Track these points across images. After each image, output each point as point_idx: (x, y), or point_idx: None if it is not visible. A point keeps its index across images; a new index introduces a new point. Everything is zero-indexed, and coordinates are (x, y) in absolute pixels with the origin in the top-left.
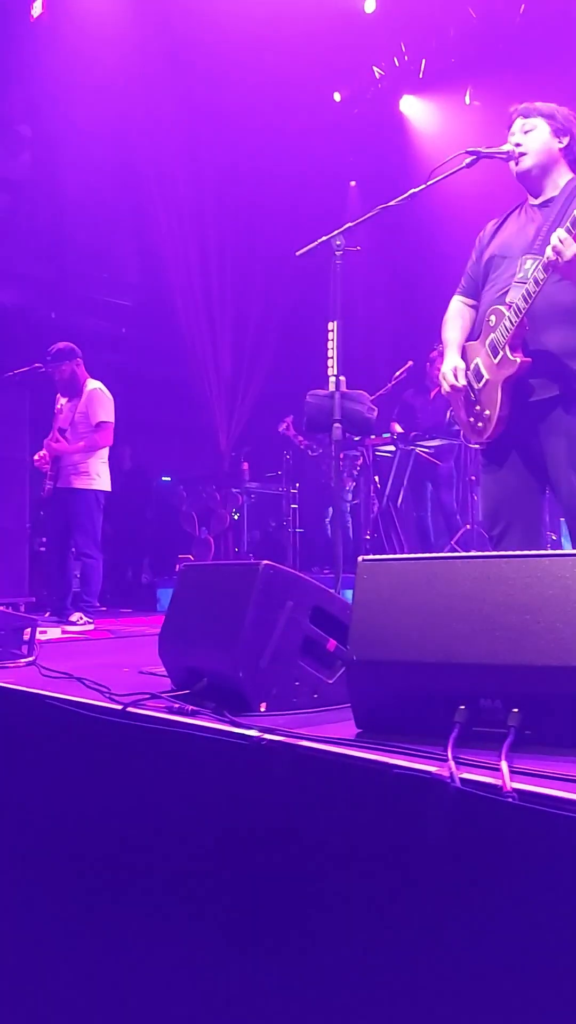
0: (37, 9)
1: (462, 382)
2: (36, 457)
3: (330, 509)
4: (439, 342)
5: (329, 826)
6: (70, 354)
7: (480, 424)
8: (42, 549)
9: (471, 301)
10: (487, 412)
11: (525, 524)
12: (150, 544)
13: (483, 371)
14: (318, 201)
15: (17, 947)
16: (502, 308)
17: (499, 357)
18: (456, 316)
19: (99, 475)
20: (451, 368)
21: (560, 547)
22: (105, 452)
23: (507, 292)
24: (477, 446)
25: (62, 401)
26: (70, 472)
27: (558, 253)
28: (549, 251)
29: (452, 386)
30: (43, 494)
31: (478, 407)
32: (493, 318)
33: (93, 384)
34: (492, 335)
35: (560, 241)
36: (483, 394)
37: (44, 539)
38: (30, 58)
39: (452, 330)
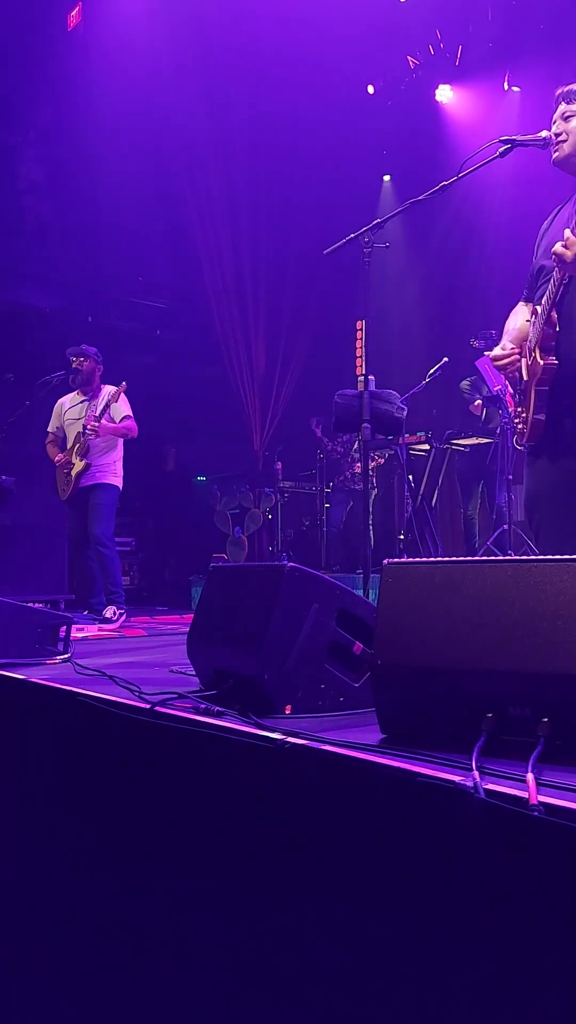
0: (74, 19)
1: (508, 348)
2: (57, 459)
3: (346, 508)
4: (474, 336)
5: (351, 832)
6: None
7: (521, 427)
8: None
9: (530, 306)
10: (524, 414)
11: (562, 520)
12: (185, 543)
13: (524, 373)
14: (352, 197)
15: (45, 942)
16: (538, 307)
17: (531, 359)
18: (516, 311)
19: (120, 473)
20: (497, 348)
21: None
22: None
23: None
24: (521, 447)
25: (75, 402)
26: (96, 470)
27: (558, 255)
28: (557, 246)
29: (507, 362)
30: (65, 498)
31: (519, 408)
32: (532, 318)
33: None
34: (531, 335)
35: (563, 243)
36: (524, 396)
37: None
38: (67, 66)
39: (510, 320)
